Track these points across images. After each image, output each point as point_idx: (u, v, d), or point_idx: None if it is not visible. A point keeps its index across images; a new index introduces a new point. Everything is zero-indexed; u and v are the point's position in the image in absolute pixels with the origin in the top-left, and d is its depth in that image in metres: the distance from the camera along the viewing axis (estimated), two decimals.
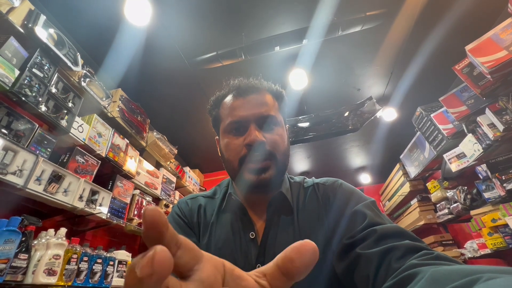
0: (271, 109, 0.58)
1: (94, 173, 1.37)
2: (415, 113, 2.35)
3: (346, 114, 2.32)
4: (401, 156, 2.89)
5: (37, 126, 1.09)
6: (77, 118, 1.30)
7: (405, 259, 0.36)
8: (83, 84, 1.39)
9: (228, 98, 0.61)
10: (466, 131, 1.84)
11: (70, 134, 1.24)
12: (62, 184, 1.15)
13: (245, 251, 0.54)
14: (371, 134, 2.85)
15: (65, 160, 1.23)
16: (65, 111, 1.23)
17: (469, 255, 2.02)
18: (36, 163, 1.04)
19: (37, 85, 1.10)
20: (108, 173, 1.52)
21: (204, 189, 3.04)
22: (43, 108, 1.12)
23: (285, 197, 0.58)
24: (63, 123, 1.20)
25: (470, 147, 1.84)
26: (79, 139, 1.28)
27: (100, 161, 1.41)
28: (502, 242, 1.69)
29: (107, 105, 1.56)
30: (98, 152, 1.40)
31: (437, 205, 2.48)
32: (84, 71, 1.41)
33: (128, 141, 1.68)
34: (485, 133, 1.67)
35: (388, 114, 2.43)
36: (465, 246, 2.09)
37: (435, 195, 2.47)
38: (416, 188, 2.84)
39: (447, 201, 2.33)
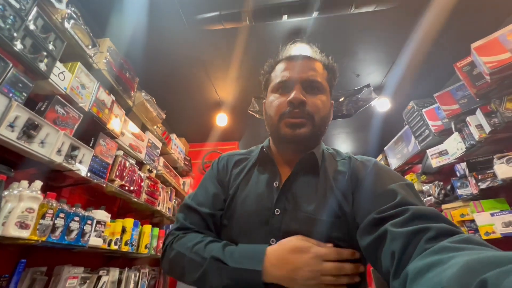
0: (318, 75, 0.61)
1: (75, 127, 1.26)
2: (407, 106, 2.38)
3: (342, 99, 2.31)
4: (385, 148, 2.97)
5: (11, 65, 0.96)
6: (58, 64, 1.17)
7: (438, 241, 0.34)
8: (66, 25, 1.23)
9: (281, 63, 0.64)
10: (453, 129, 1.90)
11: (49, 80, 1.11)
12: (38, 134, 1.05)
13: (267, 197, 0.58)
14: (361, 122, 2.88)
15: (42, 109, 1.11)
16: (45, 53, 1.09)
17: None
18: (8, 107, 0.92)
19: (11, 17, 0.95)
20: (90, 130, 1.41)
21: (189, 158, 2.98)
22: (18, 45, 0.98)
23: (315, 158, 0.60)
24: (42, 66, 1.07)
25: (454, 145, 1.91)
26: (59, 87, 1.16)
27: (82, 115, 1.30)
28: None
29: (93, 55, 1.41)
30: (80, 105, 1.28)
31: None
32: (69, 11, 1.24)
33: (114, 98, 1.56)
34: (471, 133, 1.73)
35: (382, 104, 2.45)
36: None
37: None
38: None
39: (421, 194, 2.46)
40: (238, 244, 0.53)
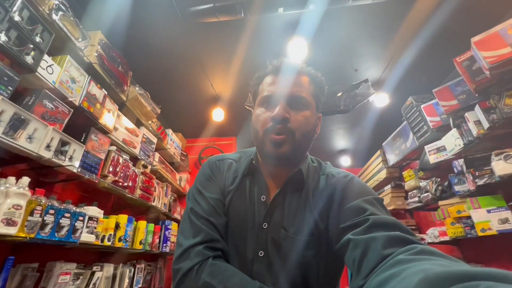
0: (304, 91, 0.61)
1: (65, 122, 1.24)
2: (406, 102, 2.36)
3: (340, 94, 2.28)
4: (383, 143, 2.95)
5: None
6: (46, 57, 1.13)
7: (392, 249, 0.38)
8: (54, 17, 1.20)
9: (269, 76, 0.65)
10: (452, 125, 1.88)
11: (37, 74, 1.08)
12: (26, 129, 1.02)
13: (255, 211, 0.60)
14: (359, 118, 2.86)
15: (30, 103, 1.09)
16: (31, 46, 1.06)
17: (429, 240, 2.18)
18: None
19: None
20: (81, 125, 1.38)
21: (185, 153, 2.96)
22: (2, 37, 0.95)
23: (302, 177, 0.62)
24: (29, 59, 1.04)
25: (452, 142, 1.89)
26: (48, 81, 1.13)
27: (72, 110, 1.27)
28: (461, 232, 1.83)
29: (83, 48, 1.37)
30: (70, 99, 1.26)
31: (409, 193, 2.60)
32: (57, 2, 1.21)
33: (106, 93, 1.53)
34: (470, 129, 1.71)
35: (380, 100, 2.42)
36: (427, 232, 2.24)
37: (408, 183, 2.59)
38: (392, 175, 2.95)
39: (419, 190, 2.45)
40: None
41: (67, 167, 1.21)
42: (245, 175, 0.66)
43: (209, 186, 0.64)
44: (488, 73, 1.46)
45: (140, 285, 1.93)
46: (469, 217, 1.75)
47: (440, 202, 2.06)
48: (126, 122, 1.77)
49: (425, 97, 2.20)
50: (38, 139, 1.06)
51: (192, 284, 0.48)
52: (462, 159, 1.83)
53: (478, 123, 1.64)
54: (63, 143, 1.21)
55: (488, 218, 1.61)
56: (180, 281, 0.49)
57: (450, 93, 1.86)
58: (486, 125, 1.57)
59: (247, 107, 2.31)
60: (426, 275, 0.24)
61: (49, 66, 1.15)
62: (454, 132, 1.86)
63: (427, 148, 2.14)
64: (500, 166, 1.53)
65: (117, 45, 1.71)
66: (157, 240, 2.10)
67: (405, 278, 0.28)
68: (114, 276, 1.65)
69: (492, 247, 1.84)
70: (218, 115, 2.61)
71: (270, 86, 0.62)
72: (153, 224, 2.04)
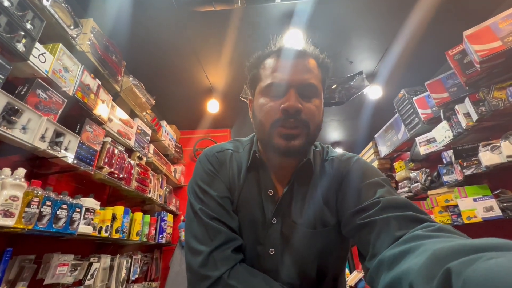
0: (314, 78, 0.56)
1: (59, 112, 1.21)
2: (398, 94, 2.40)
3: (334, 86, 2.29)
4: (375, 135, 3.01)
5: None
6: (38, 45, 1.10)
7: (408, 229, 0.37)
8: (45, 3, 1.15)
9: (272, 58, 0.58)
10: (442, 117, 1.93)
11: (29, 62, 1.05)
12: (20, 119, 1.00)
13: (264, 207, 0.57)
14: (353, 110, 2.89)
15: (22, 93, 1.06)
16: (22, 33, 1.02)
17: None
18: None
19: None
20: (75, 115, 1.36)
21: (180, 145, 2.94)
22: None
23: (311, 168, 0.59)
24: (20, 47, 1.00)
25: (442, 133, 1.95)
26: (40, 70, 1.10)
27: (66, 100, 1.24)
28: (448, 220, 1.91)
29: (75, 36, 1.33)
30: (64, 89, 1.23)
31: (399, 184, 2.68)
32: None
33: (100, 83, 1.50)
34: (459, 122, 1.77)
35: (374, 92, 2.45)
36: None
37: (399, 174, 2.66)
38: (383, 167, 3.03)
39: (409, 181, 2.53)
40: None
41: (62, 158, 1.19)
42: (249, 168, 0.61)
43: (213, 183, 0.58)
44: (478, 66, 1.50)
45: (137, 276, 1.95)
46: (456, 206, 1.83)
47: (429, 192, 2.14)
48: (121, 113, 1.75)
49: (417, 90, 2.25)
50: (33, 130, 1.04)
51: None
52: (451, 150, 1.89)
53: (467, 115, 1.70)
54: (57, 134, 1.18)
55: (474, 207, 1.69)
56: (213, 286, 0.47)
57: (442, 86, 1.91)
58: (475, 117, 1.62)
59: (242, 99, 2.30)
60: (434, 251, 0.25)
61: (41, 54, 1.11)
62: (444, 124, 1.91)
63: (418, 139, 2.21)
64: (487, 157, 1.59)
65: (109, 34, 1.66)
66: (153, 232, 2.11)
67: (421, 253, 0.28)
68: (111, 267, 1.66)
69: (477, 234, 1.94)
70: (212, 106, 2.59)
71: (274, 72, 0.55)
72: (149, 216, 2.04)
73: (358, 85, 2.16)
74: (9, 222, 0.89)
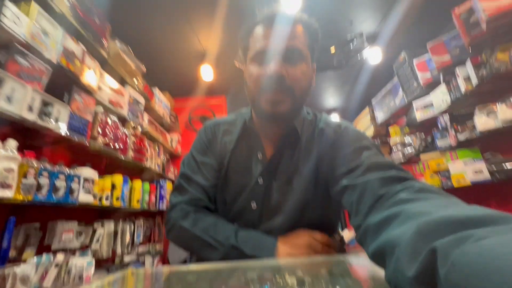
0: (299, 43, 0.57)
1: (44, 80, 1.15)
2: (398, 58, 2.32)
3: (333, 49, 2.19)
4: (373, 101, 2.97)
5: None
6: (9, 4, 1.00)
7: (390, 187, 0.37)
8: None
9: (259, 27, 0.59)
10: (442, 81, 1.89)
11: (2, 24, 0.96)
12: (3, 89, 0.95)
13: (252, 168, 0.63)
14: (350, 75, 2.81)
15: (1, 60, 0.99)
16: None
17: None
18: None
19: None
20: (62, 84, 1.29)
21: (174, 114, 2.89)
22: None
23: (297, 131, 0.62)
24: None
25: (440, 98, 1.93)
26: (16, 33, 1.01)
27: (50, 68, 1.17)
28: (438, 183, 1.98)
29: None
30: (46, 55, 1.15)
31: (393, 148, 2.73)
32: None
33: (84, 48, 1.40)
34: (458, 86, 1.74)
35: (374, 55, 2.36)
36: None
37: (394, 139, 2.69)
38: (379, 133, 3.05)
39: (402, 146, 2.57)
40: (249, 231, 0.58)
41: (54, 130, 1.16)
42: (241, 136, 0.67)
43: (202, 151, 0.67)
44: (484, 25, 1.42)
45: (141, 239, 2.05)
46: (447, 170, 1.89)
47: (422, 156, 2.19)
48: (110, 81, 1.67)
49: (418, 52, 2.16)
50: (18, 100, 1.00)
51: (176, 232, 0.60)
52: (448, 115, 1.89)
53: (467, 79, 1.66)
54: (45, 104, 1.14)
55: (463, 170, 1.74)
56: (169, 230, 0.62)
57: (444, 47, 1.84)
58: (475, 81, 1.59)
59: (236, 64, 2.21)
60: (418, 227, 0.23)
61: (15, 16, 1.02)
62: (442, 88, 1.88)
63: (415, 104, 2.19)
64: (482, 121, 1.60)
65: None
66: (153, 199, 2.17)
67: (403, 221, 0.28)
68: (115, 233, 1.74)
69: (465, 197, 2.03)
70: (206, 72, 2.49)
71: (262, 39, 0.57)
72: (148, 184, 2.09)
73: (358, 47, 2.07)
74: (8, 194, 0.90)
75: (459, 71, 1.69)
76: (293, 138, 0.63)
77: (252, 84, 0.59)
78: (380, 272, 0.31)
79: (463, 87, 1.68)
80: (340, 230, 0.76)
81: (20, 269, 1.03)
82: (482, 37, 1.52)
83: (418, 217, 0.26)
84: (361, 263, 0.59)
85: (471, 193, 1.78)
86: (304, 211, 0.60)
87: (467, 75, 1.66)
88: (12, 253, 1.08)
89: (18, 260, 1.09)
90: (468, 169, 1.72)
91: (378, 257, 0.29)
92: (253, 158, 0.64)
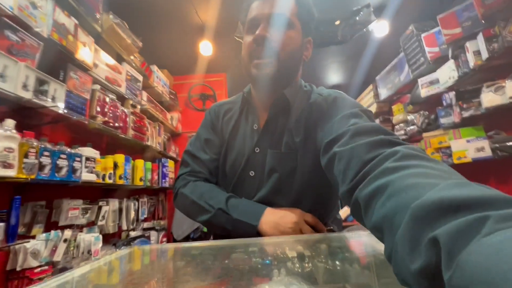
0: (285, 11, 0.60)
1: (37, 57, 1.11)
2: (406, 31, 2.21)
3: (337, 22, 2.09)
4: (377, 77, 2.89)
5: None
6: None
7: (374, 153, 0.36)
8: None
9: (254, 2, 0.63)
10: (450, 56, 1.82)
11: None
12: None
13: (249, 139, 0.67)
14: (355, 50, 2.70)
15: None
16: None
17: None
18: None
19: None
20: (56, 61, 1.25)
21: (174, 92, 2.84)
22: None
23: (286, 100, 0.64)
24: None
25: (447, 74, 1.87)
26: (3, 6, 0.96)
27: (42, 43, 1.12)
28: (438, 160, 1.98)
29: None
30: (36, 29, 1.10)
31: (396, 126, 2.70)
32: None
33: (76, 22, 1.34)
34: (467, 61, 1.67)
35: (380, 29, 2.25)
36: None
37: (397, 117, 2.66)
38: (381, 110, 3.00)
39: (405, 124, 2.54)
40: (241, 198, 0.64)
41: (51, 108, 1.14)
42: (241, 111, 0.71)
43: (206, 130, 0.73)
44: None
45: (145, 216, 2.11)
46: (448, 147, 1.88)
47: (424, 134, 2.17)
48: (106, 58, 1.62)
49: (427, 25, 2.06)
50: (12, 78, 0.97)
51: (179, 199, 0.68)
52: (453, 92, 1.85)
53: (477, 53, 1.60)
54: (41, 82, 1.11)
55: (466, 148, 1.73)
56: (174, 198, 0.70)
57: (455, 19, 1.74)
58: (485, 55, 1.53)
59: (237, 39, 2.12)
60: (412, 211, 0.22)
61: None
62: (450, 63, 1.81)
63: (420, 81, 2.13)
64: (489, 98, 1.56)
65: None
66: (156, 177, 2.20)
67: (390, 196, 0.27)
68: (120, 210, 1.78)
69: (465, 174, 2.04)
70: (205, 48, 2.40)
71: (254, 11, 0.62)
72: (150, 162, 2.10)
73: (364, 20, 1.97)
74: (10, 173, 0.91)
75: (469, 45, 1.62)
76: (284, 106, 0.65)
77: (244, 51, 0.63)
78: (377, 247, 0.31)
79: (472, 61, 1.62)
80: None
81: (30, 244, 1.07)
82: (498, 6, 1.44)
83: (407, 193, 0.25)
84: (358, 239, 0.60)
85: (472, 169, 1.79)
86: (297, 179, 0.61)
87: (477, 49, 1.59)
88: (21, 230, 1.11)
89: (27, 236, 1.13)
90: (470, 147, 1.71)
91: (375, 233, 0.29)
92: (251, 129, 0.68)
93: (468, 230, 0.16)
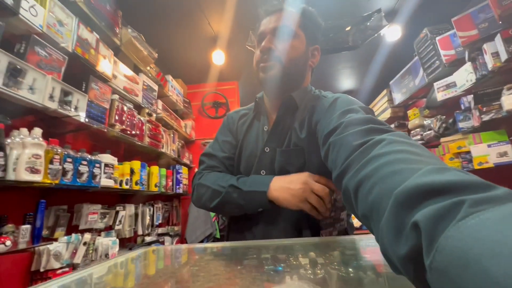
0: (289, 23, 0.66)
1: (62, 70, 1.19)
2: (419, 35, 2.17)
3: (348, 28, 2.09)
4: (391, 82, 2.85)
5: None
6: None
7: (362, 140, 0.37)
8: None
9: (264, 17, 0.70)
10: (467, 58, 1.77)
11: (20, 16, 0.99)
12: (25, 79, 0.99)
13: (260, 139, 0.71)
14: (367, 55, 2.68)
15: (21, 51, 1.03)
16: None
17: None
18: None
19: None
20: (79, 73, 1.33)
21: (188, 100, 2.92)
22: None
23: (294, 101, 0.68)
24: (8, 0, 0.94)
25: (464, 77, 1.81)
26: (34, 25, 1.04)
27: (67, 57, 1.21)
28: (459, 166, 1.91)
29: None
30: (62, 45, 1.18)
31: (412, 132, 2.63)
32: None
33: (98, 36, 1.43)
34: (485, 63, 1.62)
35: (392, 33, 2.23)
36: None
37: (412, 122, 2.59)
38: (396, 115, 2.94)
39: (422, 128, 2.47)
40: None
41: (74, 117, 1.21)
42: (254, 114, 0.77)
43: (221, 133, 0.79)
44: None
45: (160, 221, 2.16)
46: (468, 152, 1.81)
47: (442, 139, 2.10)
48: (124, 69, 1.70)
49: (441, 28, 2.02)
50: (40, 90, 1.04)
51: (195, 191, 0.72)
52: (471, 95, 1.79)
53: (495, 55, 1.54)
54: (65, 93, 1.19)
55: (487, 152, 1.66)
56: (192, 193, 0.74)
57: (471, 21, 1.70)
58: (504, 57, 1.48)
59: (248, 48, 2.17)
60: (395, 197, 0.22)
61: (31, 7, 1.04)
62: (467, 66, 1.76)
63: (436, 85, 2.07)
64: (510, 100, 1.50)
65: None
66: (170, 183, 2.26)
67: (376, 183, 0.28)
68: (136, 215, 1.84)
69: (486, 179, 1.95)
70: (218, 58, 2.47)
71: (262, 25, 0.69)
72: (165, 169, 2.16)
73: (375, 25, 1.96)
74: (37, 178, 0.97)
75: (487, 47, 1.57)
76: (292, 107, 0.68)
77: (254, 61, 0.69)
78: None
79: (490, 63, 1.56)
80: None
81: (53, 246, 1.13)
82: None
83: (391, 179, 0.26)
84: (372, 246, 0.59)
85: (494, 175, 1.70)
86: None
87: (495, 51, 1.54)
88: (45, 232, 1.18)
89: (50, 238, 1.19)
90: (492, 152, 1.64)
91: (365, 222, 0.30)
92: (262, 130, 0.72)
93: (445, 214, 0.17)
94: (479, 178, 0.20)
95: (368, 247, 0.58)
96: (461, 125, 1.90)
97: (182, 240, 2.54)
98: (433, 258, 0.16)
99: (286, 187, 0.59)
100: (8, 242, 0.91)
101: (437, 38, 1.99)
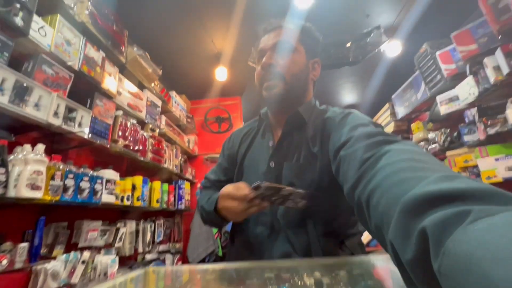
0: (288, 39, 0.67)
1: (68, 87, 1.21)
2: (420, 49, 2.20)
3: (348, 44, 2.13)
4: (393, 96, 2.86)
5: None
6: (36, 18, 1.06)
7: (373, 151, 0.38)
8: None
9: (264, 35, 0.71)
10: (468, 72, 1.78)
11: (30, 37, 1.03)
12: (31, 97, 1.01)
13: (264, 154, 0.70)
14: (368, 70, 2.72)
15: (29, 70, 1.06)
16: (18, 6, 0.98)
17: None
18: None
19: None
20: (84, 90, 1.36)
21: (191, 115, 2.95)
22: None
23: (301, 116, 0.67)
24: (18, 21, 0.98)
25: (466, 90, 1.81)
26: (42, 44, 1.08)
27: (73, 75, 1.24)
28: None
29: (72, 5, 1.27)
30: (69, 63, 1.21)
31: None
32: None
33: (104, 55, 1.47)
34: (487, 76, 1.62)
35: (392, 48, 2.26)
36: None
37: (416, 135, 2.57)
38: (400, 129, 2.92)
39: (426, 142, 2.44)
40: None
41: (77, 133, 1.22)
42: (257, 130, 0.77)
43: (221, 155, 0.82)
44: None
45: (161, 238, 2.11)
46: (475, 166, 1.77)
47: (448, 153, 2.07)
48: (129, 86, 1.74)
49: (441, 43, 2.05)
50: (45, 107, 1.06)
51: (198, 208, 0.76)
52: (475, 108, 1.77)
53: (497, 68, 1.55)
54: (70, 110, 1.20)
55: (494, 166, 1.62)
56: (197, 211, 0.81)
57: (470, 36, 1.72)
58: (505, 70, 1.48)
59: (250, 64, 2.21)
60: (402, 205, 0.23)
61: (41, 27, 1.08)
62: (469, 80, 1.77)
63: (438, 98, 2.07)
64: None
65: (107, 1, 1.57)
66: (172, 199, 2.23)
67: (384, 192, 0.28)
68: (137, 231, 1.80)
69: None
70: (221, 74, 2.52)
71: (262, 42, 0.70)
72: (167, 184, 2.14)
73: (375, 41, 1.99)
74: (38, 194, 0.96)
75: (488, 61, 1.58)
76: (299, 122, 0.68)
77: (256, 79, 0.69)
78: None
79: (492, 77, 1.56)
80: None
81: (50, 265, 1.10)
82: None
83: (399, 188, 0.26)
84: (382, 264, 0.56)
85: (504, 189, 1.65)
86: (316, 188, 0.61)
87: (496, 65, 1.55)
88: (43, 250, 1.15)
89: (49, 257, 1.16)
90: (500, 165, 1.60)
91: (378, 235, 0.30)
92: (266, 146, 0.71)
93: (453, 220, 0.17)
94: (487, 184, 0.20)
95: (375, 268, 0.55)
96: (466, 138, 1.88)
97: (184, 258, 2.47)
98: (441, 262, 0.16)
99: (226, 206, 0.61)
100: (5, 261, 0.89)
101: (437, 53, 2.01)
